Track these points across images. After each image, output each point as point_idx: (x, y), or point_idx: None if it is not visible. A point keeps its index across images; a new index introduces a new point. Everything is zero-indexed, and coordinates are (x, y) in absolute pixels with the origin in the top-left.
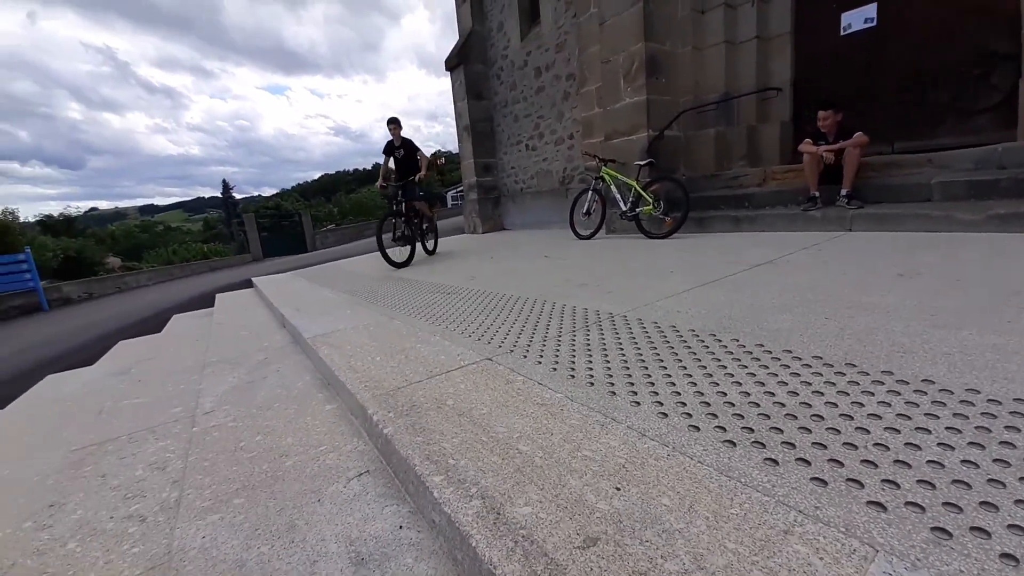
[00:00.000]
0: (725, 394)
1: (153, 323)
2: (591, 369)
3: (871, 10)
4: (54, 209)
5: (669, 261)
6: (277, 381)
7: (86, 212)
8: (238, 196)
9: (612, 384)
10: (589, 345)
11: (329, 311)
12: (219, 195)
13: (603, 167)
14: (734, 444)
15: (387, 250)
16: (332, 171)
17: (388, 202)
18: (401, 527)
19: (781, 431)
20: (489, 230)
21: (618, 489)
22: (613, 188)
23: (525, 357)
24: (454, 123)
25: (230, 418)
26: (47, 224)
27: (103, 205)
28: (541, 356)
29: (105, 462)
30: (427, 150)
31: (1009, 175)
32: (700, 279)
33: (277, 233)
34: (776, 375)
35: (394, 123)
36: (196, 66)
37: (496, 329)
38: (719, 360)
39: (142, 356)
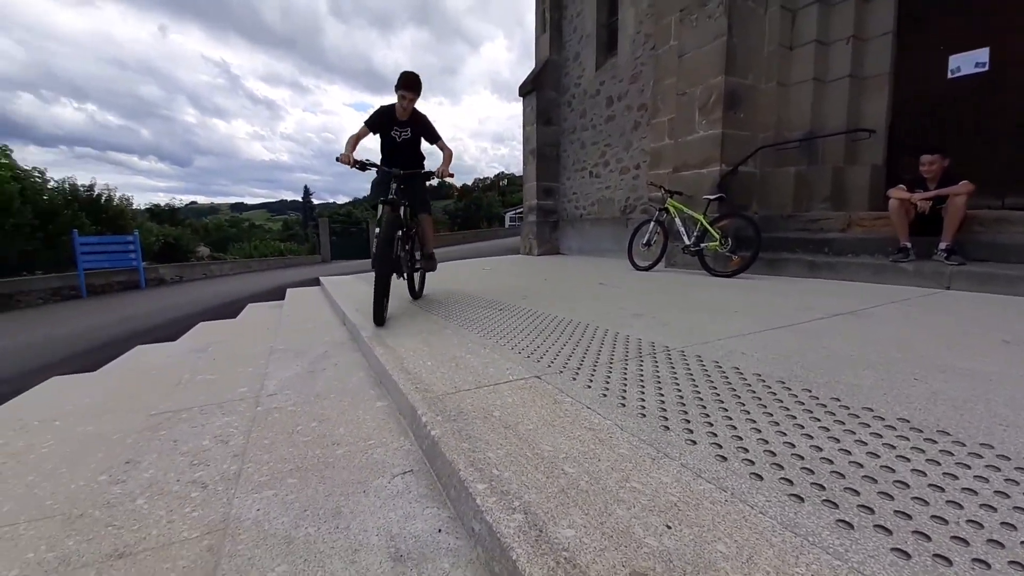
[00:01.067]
0: (793, 445)
1: (231, 309)
2: (643, 400)
3: (983, 54)
4: (161, 199)
5: (734, 300)
6: (334, 374)
7: (187, 205)
8: (316, 201)
9: (666, 419)
10: (642, 376)
11: (387, 315)
12: (300, 199)
13: (669, 199)
14: (802, 499)
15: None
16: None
17: (376, 193)
18: (440, 531)
19: (857, 493)
20: (544, 252)
21: (669, 527)
22: (677, 221)
23: (574, 380)
24: (519, 146)
25: (290, 402)
26: (154, 212)
27: (201, 200)
28: (591, 381)
29: (178, 429)
30: (491, 171)
31: None
32: (769, 323)
33: (345, 238)
34: (853, 433)
35: (410, 86)
36: (295, 82)
37: (546, 349)
38: (787, 409)
39: (218, 337)
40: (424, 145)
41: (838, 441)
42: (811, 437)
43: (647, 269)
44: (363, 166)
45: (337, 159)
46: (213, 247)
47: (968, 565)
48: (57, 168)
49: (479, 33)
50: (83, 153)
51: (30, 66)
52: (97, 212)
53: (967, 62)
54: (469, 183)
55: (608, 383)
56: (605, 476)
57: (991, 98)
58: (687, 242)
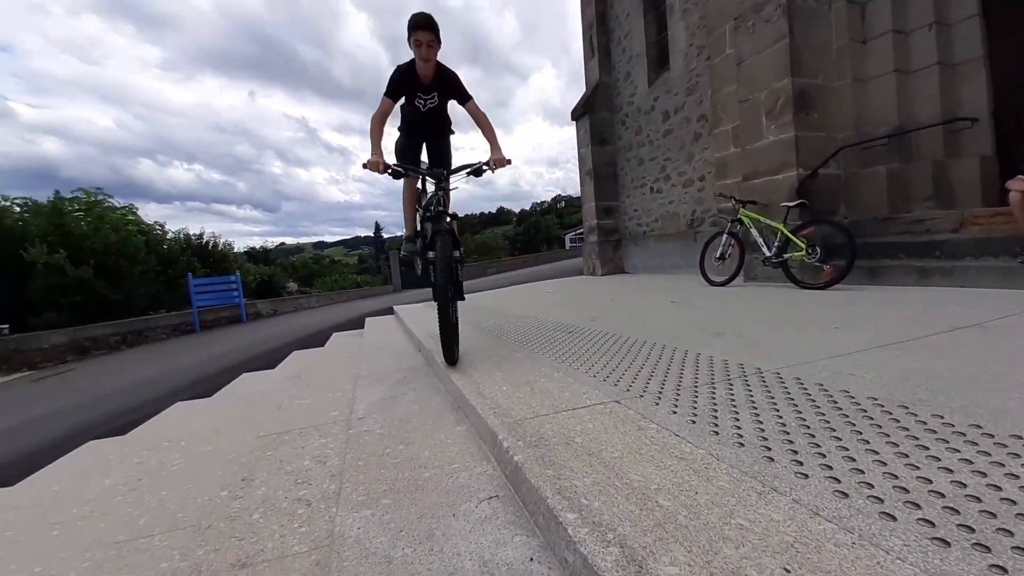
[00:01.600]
0: (929, 481)
1: (318, 338)
2: (739, 428)
3: None
4: (256, 242)
5: (831, 315)
6: (414, 398)
7: (277, 246)
8: (386, 235)
9: (768, 448)
10: (733, 400)
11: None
12: (372, 235)
13: (741, 209)
14: (948, 544)
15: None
16: (462, 214)
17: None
18: (532, 559)
19: (1011, 533)
20: (608, 272)
21: (788, 572)
22: (754, 231)
23: (656, 404)
24: (574, 168)
25: (377, 425)
26: (251, 254)
27: (288, 240)
28: (675, 406)
29: (282, 450)
30: (547, 195)
31: None
32: (878, 339)
33: (413, 268)
34: (1003, 465)
35: (428, 25)
36: (363, 129)
37: (622, 372)
38: (916, 439)
39: (310, 365)
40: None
41: (984, 475)
42: (950, 471)
43: (723, 284)
44: (397, 173)
45: (364, 166)
46: (300, 282)
47: None
48: (173, 221)
49: (527, 65)
50: (192, 207)
51: (147, 136)
52: (206, 257)
53: None
54: (527, 208)
55: (695, 408)
56: (706, 511)
57: None
58: (767, 253)
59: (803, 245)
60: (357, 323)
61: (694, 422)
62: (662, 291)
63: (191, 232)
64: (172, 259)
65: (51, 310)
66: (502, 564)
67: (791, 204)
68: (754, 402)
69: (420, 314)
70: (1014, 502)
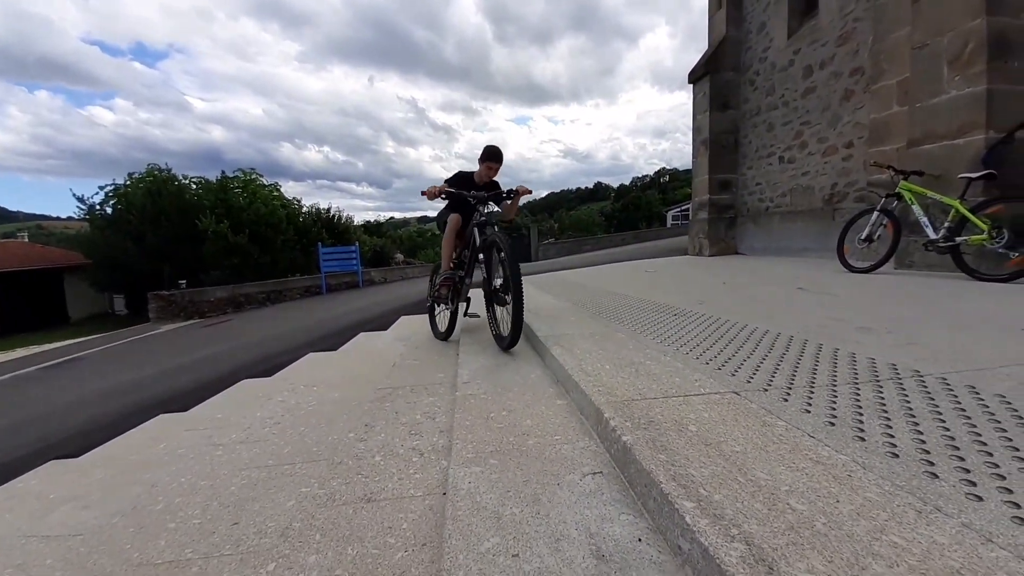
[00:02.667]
0: None
1: (422, 306)
2: (891, 436)
3: None
4: (371, 216)
5: (1019, 314)
6: (514, 368)
7: (387, 220)
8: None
9: (931, 463)
10: (884, 405)
11: (555, 316)
12: None
13: (902, 181)
14: None
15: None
16: (558, 189)
17: (455, 209)
18: (640, 540)
19: None
20: (718, 253)
21: None
22: (916, 208)
23: (785, 400)
24: (683, 139)
25: (481, 391)
26: (367, 227)
27: (397, 215)
28: (808, 404)
29: (397, 403)
30: (650, 168)
31: None
32: None
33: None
34: None
35: (498, 157)
36: (466, 106)
37: (740, 362)
38: None
39: (416, 329)
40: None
41: None
42: None
43: (868, 271)
44: (451, 195)
45: (423, 193)
46: (406, 254)
47: None
48: (306, 197)
49: (638, 26)
50: (321, 184)
51: (288, 122)
52: (332, 229)
53: None
54: (627, 182)
55: (834, 410)
56: (849, 522)
57: None
58: (933, 236)
59: (985, 227)
60: None
61: (832, 424)
62: (786, 276)
63: (320, 207)
64: (306, 230)
65: (216, 270)
66: (608, 539)
67: (974, 176)
68: (911, 409)
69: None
70: None
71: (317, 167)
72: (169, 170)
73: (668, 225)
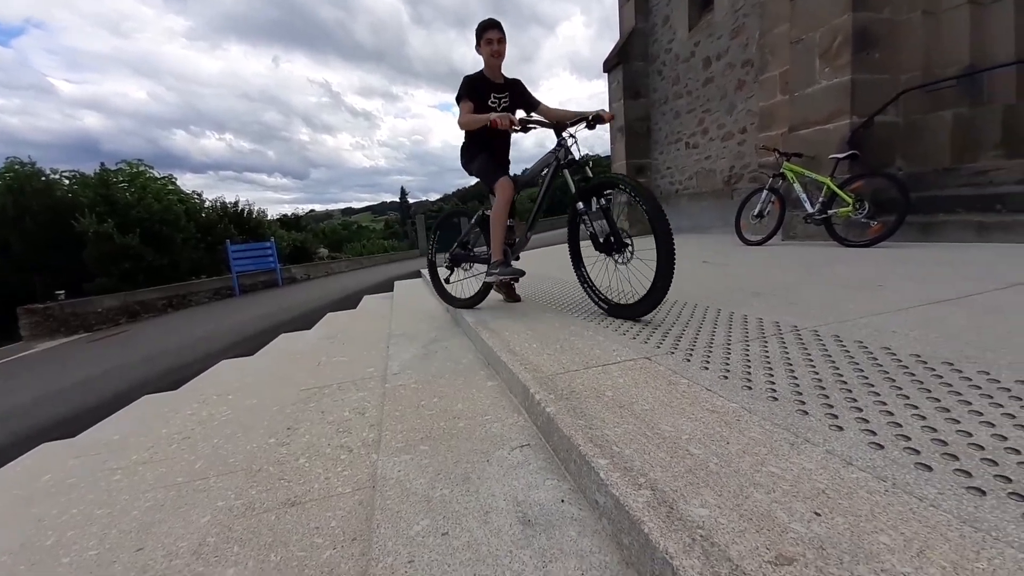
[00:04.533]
0: (969, 434)
1: (351, 301)
2: (772, 383)
3: None
4: (287, 210)
5: (877, 273)
6: (446, 356)
7: (307, 213)
8: (412, 200)
9: (802, 403)
10: (768, 357)
11: (488, 302)
12: (397, 200)
13: (785, 162)
14: (983, 492)
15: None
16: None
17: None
18: (563, 501)
19: None
20: (638, 233)
21: (818, 514)
22: (797, 186)
23: (688, 361)
24: (603, 127)
25: (412, 380)
26: (283, 221)
27: (318, 207)
28: (706, 362)
29: (323, 402)
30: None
31: None
32: (926, 296)
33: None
34: None
35: (497, 25)
36: (386, 91)
37: (652, 330)
38: (959, 394)
39: (344, 325)
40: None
41: None
42: (992, 425)
43: (760, 243)
44: (526, 128)
45: (492, 123)
46: (331, 248)
47: None
48: (209, 190)
49: (554, 14)
50: (226, 176)
51: (180, 107)
52: (242, 224)
53: None
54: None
55: (728, 365)
56: (736, 459)
57: None
58: (810, 210)
59: (850, 200)
60: (386, 286)
61: (726, 377)
62: (695, 251)
63: (227, 200)
64: (210, 226)
65: (103, 277)
66: (535, 504)
67: (840, 156)
68: (789, 359)
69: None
70: None
71: (219, 157)
72: (33, 164)
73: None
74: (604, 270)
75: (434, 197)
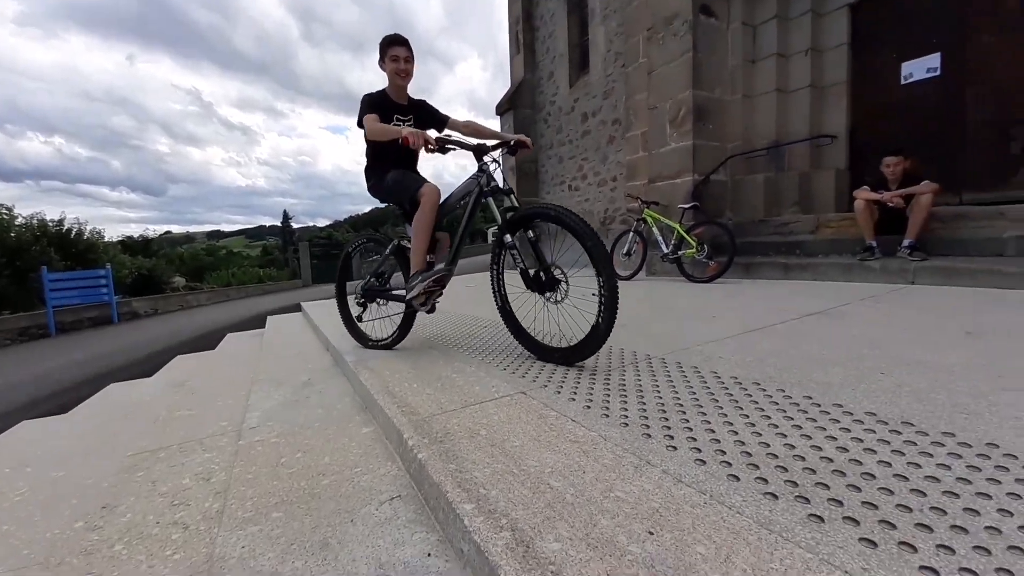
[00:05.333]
0: (768, 445)
1: (208, 340)
2: (625, 410)
3: (934, 60)
4: (134, 231)
5: (712, 305)
6: (318, 401)
7: (161, 235)
8: (296, 226)
9: (647, 426)
10: (624, 385)
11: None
12: (279, 224)
13: (646, 209)
14: (776, 497)
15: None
16: (382, 205)
17: (404, 189)
18: (429, 555)
19: (828, 487)
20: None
21: (651, 533)
22: (655, 230)
23: (558, 393)
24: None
25: (273, 434)
26: (127, 244)
27: (176, 229)
28: (575, 393)
29: (156, 469)
30: None
31: None
32: (745, 326)
33: (327, 261)
34: (824, 429)
35: (403, 41)
36: (269, 106)
37: (531, 364)
38: (763, 410)
39: (197, 371)
40: None
41: (810, 438)
42: (785, 436)
43: (628, 278)
44: (444, 145)
45: (404, 141)
46: (189, 277)
47: (932, 551)
48: (24, 204)
49: (453, 53)
50: (50, 187)
51: None
52: (67, 247)
53: (919, 68)
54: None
55: (591, 394)
56: (590, 487)
57: (944, 102)
58: (665, 251)
59: (694, 243)
60: (258, 322)
61: (589, 407)
62: (574, 285)
63: (48, 218)
64: (21, 250)
65: None
66: (399, 563)
67: (686, 206)
68: (641, 386)
69: (332, 310)
70: (831, 459)
71: (43, 164)
72: None
73: (489, 241)
74: (532, 308)
75: (323, 223)
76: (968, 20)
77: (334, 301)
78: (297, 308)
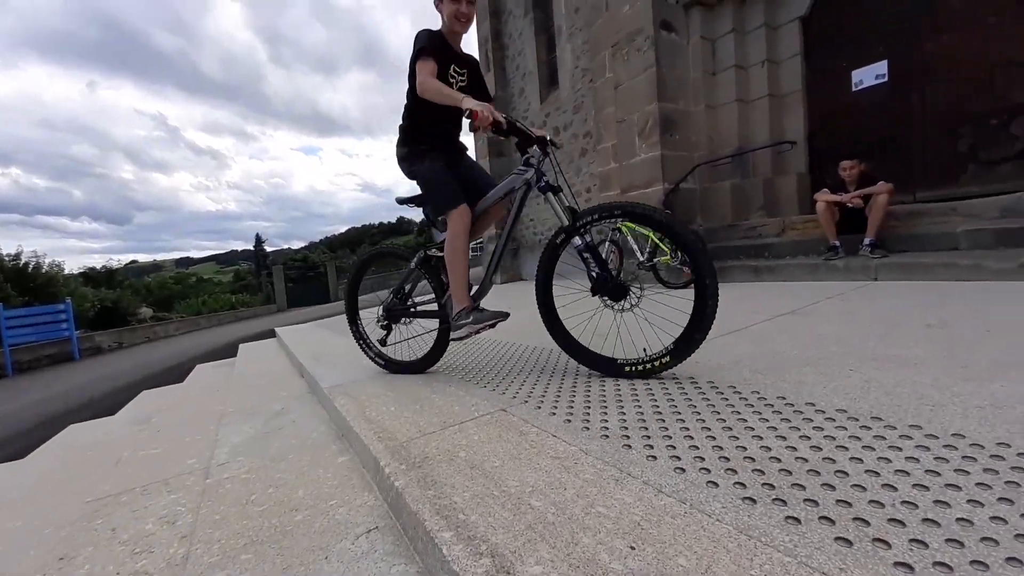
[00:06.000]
0: (745, 448)
1: (177, 373)
2: (605, 421)
3: (882, 67)
4: (96, 261)
5: (687, 311)
6: (292, 431)
7: (126, 264)
8: (269, 249)
9: (627, 437)
10: (604, 396)
11: (347, 360)
12: (251, 248)
13: None
14: (754, 501)
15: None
16: (359, 224)
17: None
18: None
19: (803, 487)
20: (507, 281)
21: (633, 548)
22: (630, 239)
23: (539, 408)
24: None
25: (243, 470)
26: (89, 276)
27: (142, 258)
28: (555, 407)
29: (117, 515)
30: None
31: None
32: (720, 329)
33: (302, 284)
34: (798, 429)
35: None
36: (239, 130)
37: (512, 379)
38: (739, 413)
39: (163, 406)
40: None
41: (785, 439)
42: (761, 438)
43: None
44: (512, 128)
45: (470, 115)
46: (157, 307)
47: (906, 546)
48: None
49: None
50: (6, 220)
51: None
52: (25, 282)
53: (868, 75)
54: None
55: (572, 407)
56: (571, 504)
57: (894, 106)
58: (641, 258)
59: (668, 250)
60: (229, 351)
61: (569, 421)
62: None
63: (3, 252)
64: None
65: None
66: None
67: None
68: (620, 397)
69: (306, 335)
70: (806, 459)
71: None
72: None
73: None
74: (580, 319)
75: (297, 245)
76: (912, 26)
77: (309, 325)
78: (271, 334)
